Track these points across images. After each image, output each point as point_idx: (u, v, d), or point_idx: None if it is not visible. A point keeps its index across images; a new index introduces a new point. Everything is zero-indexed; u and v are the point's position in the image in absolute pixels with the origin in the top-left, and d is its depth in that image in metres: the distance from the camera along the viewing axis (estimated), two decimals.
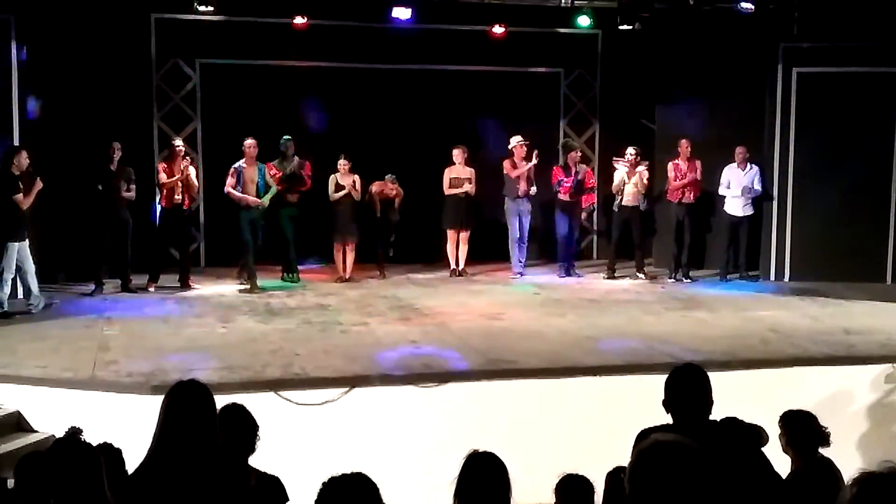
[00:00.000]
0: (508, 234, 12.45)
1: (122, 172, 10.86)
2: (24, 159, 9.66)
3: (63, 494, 3.37)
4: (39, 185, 9.71)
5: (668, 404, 3.91)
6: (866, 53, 11.76)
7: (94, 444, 3.73)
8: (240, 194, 11.07)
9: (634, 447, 3.40)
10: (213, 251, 12.69)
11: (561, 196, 12.32)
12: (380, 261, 12.18)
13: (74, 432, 3.83)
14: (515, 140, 12.31)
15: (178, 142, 11.40)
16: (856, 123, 11.89)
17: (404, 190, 12.12)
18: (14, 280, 9.70)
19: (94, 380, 7.31)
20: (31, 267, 9.71)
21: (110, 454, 4.02)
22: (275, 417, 6.75)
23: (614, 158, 12.36)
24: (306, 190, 11.75)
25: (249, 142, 11.15)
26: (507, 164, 12.26)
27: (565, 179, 12.27)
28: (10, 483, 4.38)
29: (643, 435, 3.70)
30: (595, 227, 14.04)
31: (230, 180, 11.09)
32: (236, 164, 11.12)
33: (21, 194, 9.57)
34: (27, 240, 9.71)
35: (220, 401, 3.89)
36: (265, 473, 3.96)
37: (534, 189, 12.29)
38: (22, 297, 9.85)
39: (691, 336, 8.99)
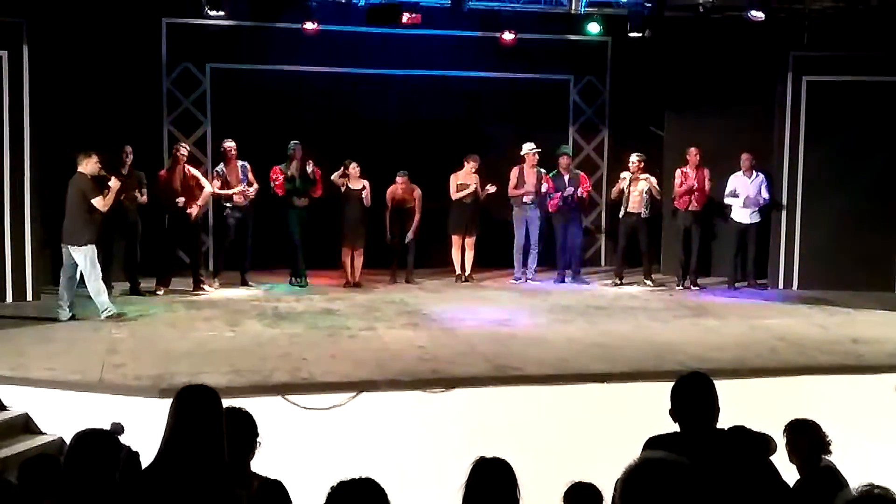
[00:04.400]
0: (514, 241, 12.48)
1: (134, 176, 10.88)
2: (93, 163, 9.43)
3: (77, 480, 3.42)
4: (115, 184, 9.52)
5: (674, 413, 3.91)
6: (876, 62, 11.76)
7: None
8: (225, 191, 11.39)
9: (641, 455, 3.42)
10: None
11: (551, 210, 12.32)
12: (408, 268, 12.22)
13: (116, 430, 3.82)
14: (528, 147, 12.31)
15: (183, 150, 11.20)
16: (865, 132, 11.88)
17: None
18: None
19: (102, 382, 7.33)
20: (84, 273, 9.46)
21: (129, 458, 4.04)
22: (282, 421, 6.79)
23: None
24: (318, 197, 11.77)
25: (229, 144, 11.40)
26: (512, 178, 12.26)
27: (553, 194, 12.22)
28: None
29: (651, 443, 3.71)
30: (602, 234, 14.04)
31: (216, 183, 11.36)
32: (217, 168, 11.50)
33: (100, 197, 9.42)
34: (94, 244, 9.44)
35: (227, 405, 3.91)
36: (267, 478, 3.97)
37: (545, 187, 12.20)
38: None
39: (699, 344, 8.97)
